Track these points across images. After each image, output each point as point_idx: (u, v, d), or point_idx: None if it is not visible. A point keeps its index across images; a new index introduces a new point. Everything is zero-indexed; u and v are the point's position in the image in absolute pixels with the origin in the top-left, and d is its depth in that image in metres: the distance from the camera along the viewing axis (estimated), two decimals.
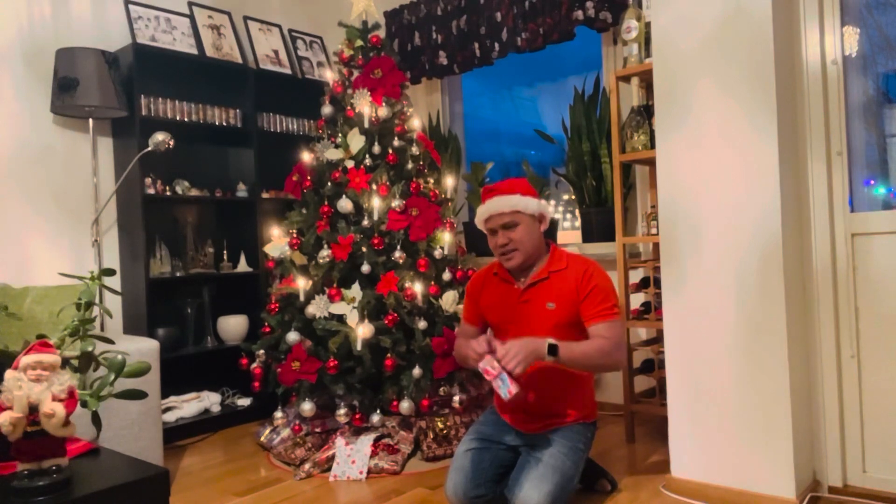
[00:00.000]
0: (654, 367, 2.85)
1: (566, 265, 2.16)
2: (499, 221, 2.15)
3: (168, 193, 3.36)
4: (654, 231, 2.75)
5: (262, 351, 2.86)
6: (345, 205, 2.85)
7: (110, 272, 1.77)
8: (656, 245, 2.89)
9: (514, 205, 2.14)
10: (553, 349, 1.94)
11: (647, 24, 2.68)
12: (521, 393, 1.94)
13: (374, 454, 2.60)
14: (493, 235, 2.18)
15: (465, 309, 2.40)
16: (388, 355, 2.66)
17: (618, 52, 3.37)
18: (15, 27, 3.02)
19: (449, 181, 3.34)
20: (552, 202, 3.86)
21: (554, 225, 3.64)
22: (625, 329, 2.09)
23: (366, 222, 2.85)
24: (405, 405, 2.67)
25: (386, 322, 2.70)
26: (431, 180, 3.09)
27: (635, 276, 3.04)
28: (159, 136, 2.94)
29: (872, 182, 2.38)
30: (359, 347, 2.63)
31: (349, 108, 3.01)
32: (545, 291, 2.15)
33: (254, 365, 2.85)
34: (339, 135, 3.00)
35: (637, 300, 3.01)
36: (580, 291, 2.11)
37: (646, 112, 2.79)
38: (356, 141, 2.93)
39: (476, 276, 2.37)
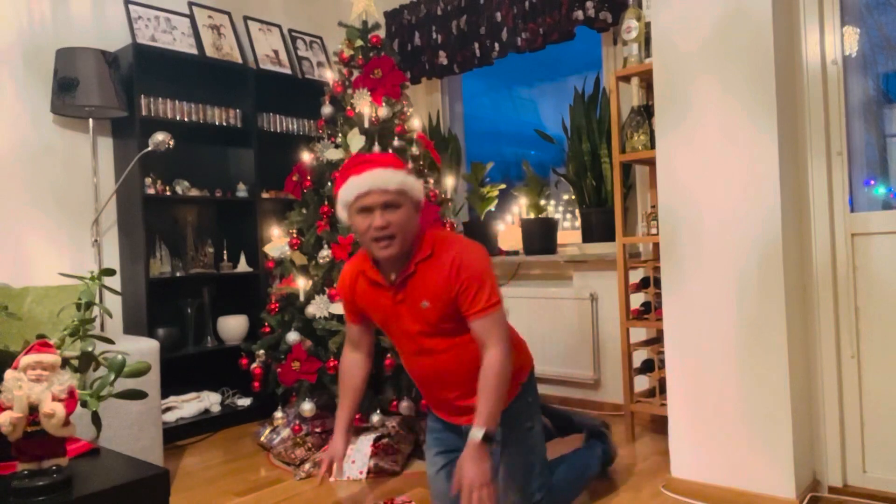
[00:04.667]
0: (654, 367, 2.85)
1: (431, 251, 1.87)
2: (380, 199, 1.80)
3: (168, 193, 3.36)
4: (654, 231, 2.75)
5: (262, 351, 2.86)
6: None
7: (110, 272, 1.77)
8: (656, 245, 2.89)
9: (401, 182, 1.83)
10: (487, 437, 1.75)
11: (647, 24, 2.68)
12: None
13: (374, 454, 2.60)
14: (366, 215, 1.83)
15: (344, 310, 2.16)
16: (388, 355, 2.66)
17: (618, 52, 3.37)
18: (15, 27, 3.02)
19: (449, 181, 3.34)
20: (552, 202, 3.86)
21: (553, 225, 3.65)
22: (505, 316, 1.86)
23: None
24: (405, 405, 2.67)
25: None
26: (431, 180, 3.09)
27: (635, 276, 3.04)
28: (159, 136, 2.94)
29: (872, 182, 2.38)
30: None
31: (349, 108, 3.01)
32: (416, 288, 1.89)
33: (254, 365, 2.85)
34: (339, 135, 3.00)
35: (637, 300, 3.01)
36: (451, 286, 1.83)
37: (646, 112, 2.79)
38: (356, 141, 2.93)
39: (343, 280, 2.06)
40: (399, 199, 1.83)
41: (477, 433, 1.75)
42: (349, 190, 1.84)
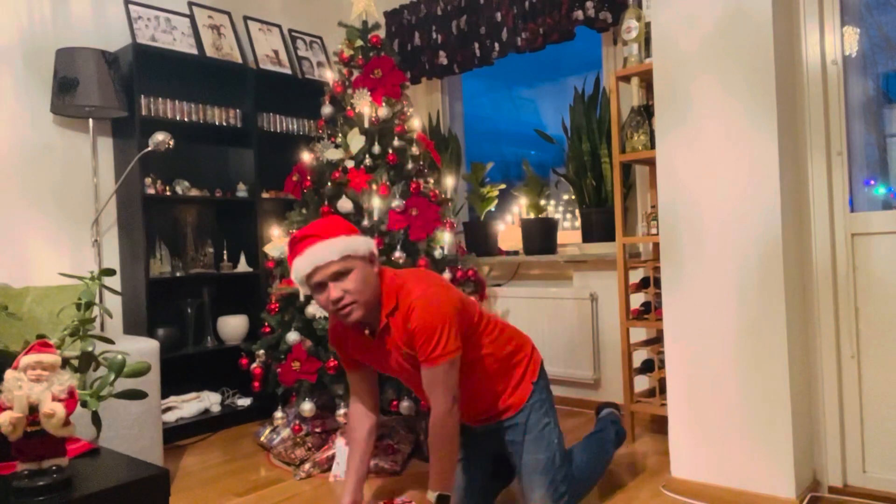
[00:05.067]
0: (654, 367, 2.85)
1: (395, 302, 1.86)
2: (327, 272, 1.78)
3: (168, 193, 3.36)
4: (654, 231, 2.74)
5: (262, 351, 2.86)
6: (345, 205, 2.85)
7: (110, 272, 1.77)
8: (656, 245, 2.89)
9: (342, 250, 1.79)
10: (443, 498, 1.82)
11: (647, 24, 2.68)
12: None
13: (374, 454, 2.60)
14: (322, 291, 1.82)
15: (341, 359, 2.12)
16: None
17: (618, 52, 3.37)
18: (15, 27, 3.02)
19: (449, 181, 3.34)
20: (552, 202, 3.86)
21: (554, 225, 3.64)
22: (453, 369, 1.84)
23: (366, 222, 2.84)
24: (405, 405, 2.67)
25: None
26: (431, 180, 3.09)
27: (635, 276, 3.04)
28: (159, 136, 2.94)
29: (872, 182, 2.38)
30: None
31: (349, 108, 3.01)
32: (393, 339, 1.90)
33: (254, 365, 2.85)
34: (339, 135, 3.00)
35: (637, 300, 3.01)
36: (408, 334, 1.85)
37: (646, 112, 2.79)
38: (356, 141, 2.93)
39: (334, 333, 2.06)
40: (346, 264, 1.79)
41: (431, 497, 1.80)
42: (297, 273, 1.82)
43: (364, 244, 1.85)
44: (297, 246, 1.83)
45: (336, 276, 1.79)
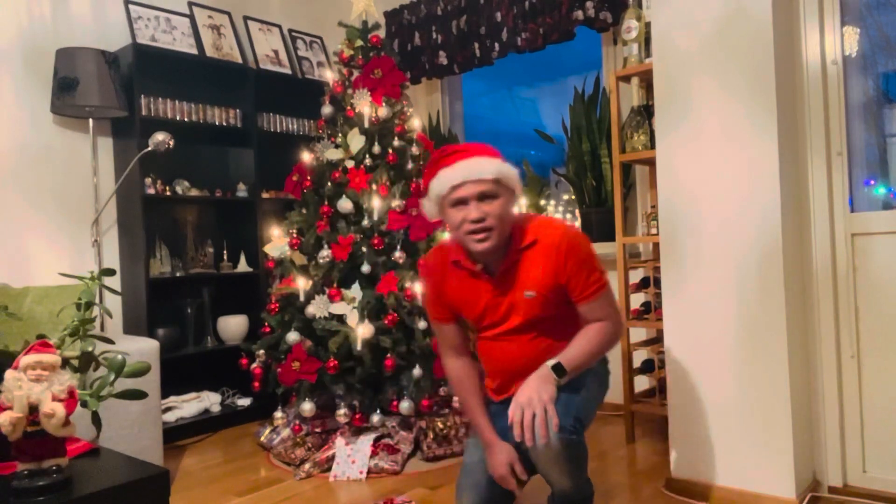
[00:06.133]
0: (654, 367, 2.85)
1: (535, 238, 1.76)
2: (475, 189, 1.69)
3: (168, 193, 3.36)
4: (654, 231, 2.75)
5: (262, 351, 2.86)
6: (345, 205, 2.85)
7: (110, 272, 1.77)
8: (656, 245, 2.89)
9: (497, 171, 1.70)
10: (559, 370, 1.67)
11: (647, 24, 2.68)
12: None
13: (374, 454, 2.60)
14: (461, 208, 1.72)
15: (430, 308, 1.95)
16: (388, 355, 2.66)
17: (618, 52, 3.37)
18: (15, 27, 3.02)
19: None
20: (552, 202, 3.86)
21: None
22: (612, 293, 1.82)
23: (366, 222, 2.85)
24: (405, 405, 2.67)
25: (386, 322, 2.70)
26: None
27: (635, 276, 3.04)
28: (159, 136, 2.94)
29: (872, 182, 2.38)
30: (359, 347, 2.63)
31: (349, 108, 3.01)
32: (519, 277, 1.78)
33: (254, 365, 2.85)
34: (339, 135, 3.00)
35: (637, 300, 3.01)
36: (559, 274, 1.74)
37: (646, 112, 2.79)
38: (356, 141, 2.93)
39: (431, 267, 1.92)
40: (495, 188, 1.70)
41: (550, 361, 1.68)
42: (442, 182, 1.72)
43: (516, 177, 1.76)
44: (447, 158, 1.74)
45: (482, 196, 1.70)
